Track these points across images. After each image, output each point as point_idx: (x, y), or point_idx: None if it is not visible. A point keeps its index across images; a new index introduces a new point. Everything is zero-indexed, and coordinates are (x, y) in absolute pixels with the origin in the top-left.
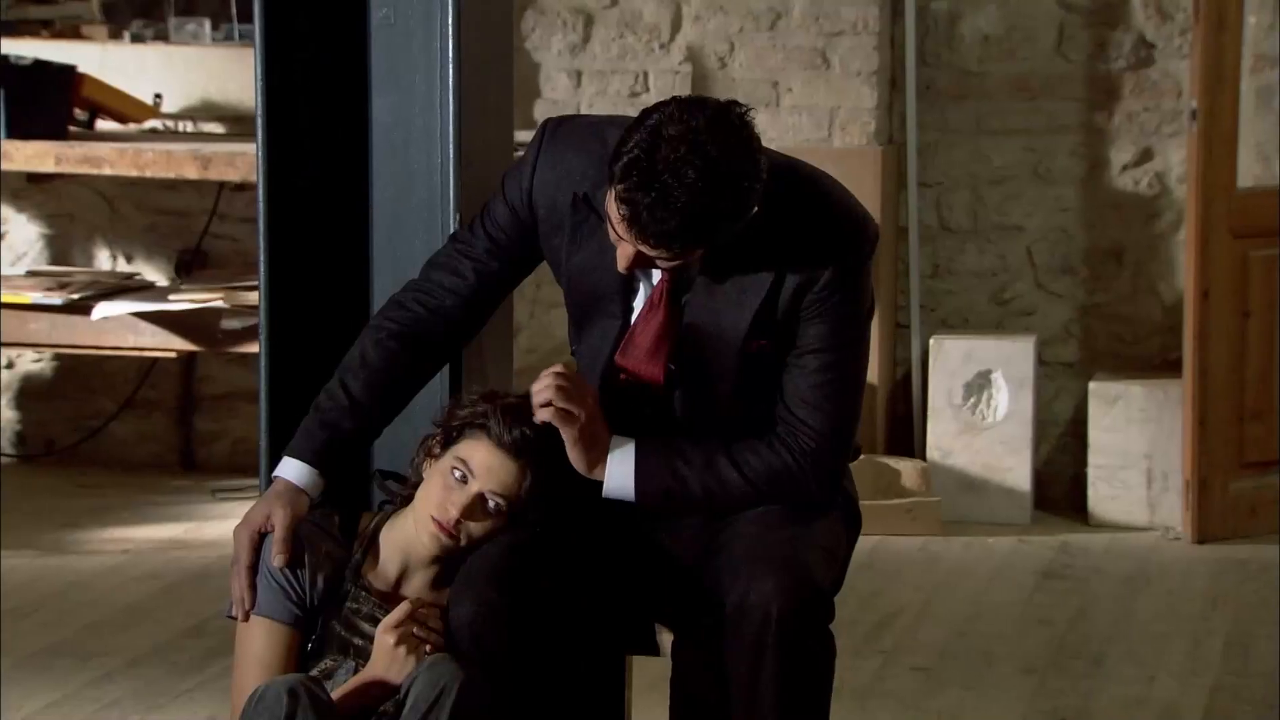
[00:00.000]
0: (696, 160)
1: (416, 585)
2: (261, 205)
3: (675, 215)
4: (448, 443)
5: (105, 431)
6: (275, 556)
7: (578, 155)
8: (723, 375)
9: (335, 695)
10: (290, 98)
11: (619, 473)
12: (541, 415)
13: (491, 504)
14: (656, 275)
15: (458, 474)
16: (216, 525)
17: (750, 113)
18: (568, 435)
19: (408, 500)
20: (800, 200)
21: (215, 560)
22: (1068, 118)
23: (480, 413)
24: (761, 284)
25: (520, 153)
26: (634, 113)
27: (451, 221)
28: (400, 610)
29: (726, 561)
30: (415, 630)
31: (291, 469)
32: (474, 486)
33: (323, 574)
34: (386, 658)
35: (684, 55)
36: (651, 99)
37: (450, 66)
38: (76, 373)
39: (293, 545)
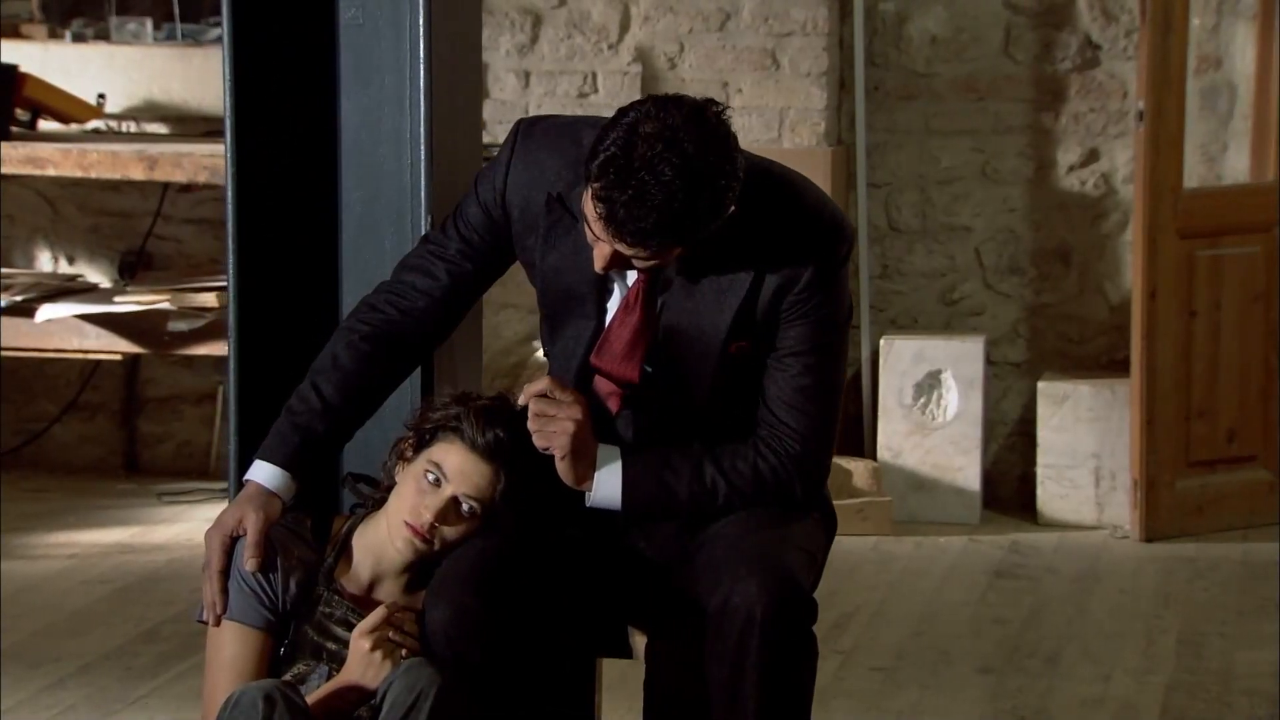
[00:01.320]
0: (673, 158)
1: (390, 589)
2: (230, 206)
3: (652, 213)
4: (420, 446)
5: (47, 435)
6: (247, 561)
7: (551, 155)
8: (701, 377)
9: (310, 700)
10: (259, 98)
11: (606, 484)
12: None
13: (465, 507)
14: (632, 276)
15: (431, 477)
16: (164, 529)
17: (727, 111)
18: (555, 453)
19: (380, 503)
20: (777, 201)
21: (164, 564)
22: (1015, 118)
23: (453, 415)
24: (740, 285)
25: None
26: (584, 113)
27: (422, 223)
28: (376, 615)
29: (707, 563)
30: (391, 635)
31: (263, 472)
32: (447, 490)
33: (295, 578)
34: (362, 662)
35: (633, 56)
36: (600, 100)
37: (421, 67)
38: (17, 375)
39: (264, 550)
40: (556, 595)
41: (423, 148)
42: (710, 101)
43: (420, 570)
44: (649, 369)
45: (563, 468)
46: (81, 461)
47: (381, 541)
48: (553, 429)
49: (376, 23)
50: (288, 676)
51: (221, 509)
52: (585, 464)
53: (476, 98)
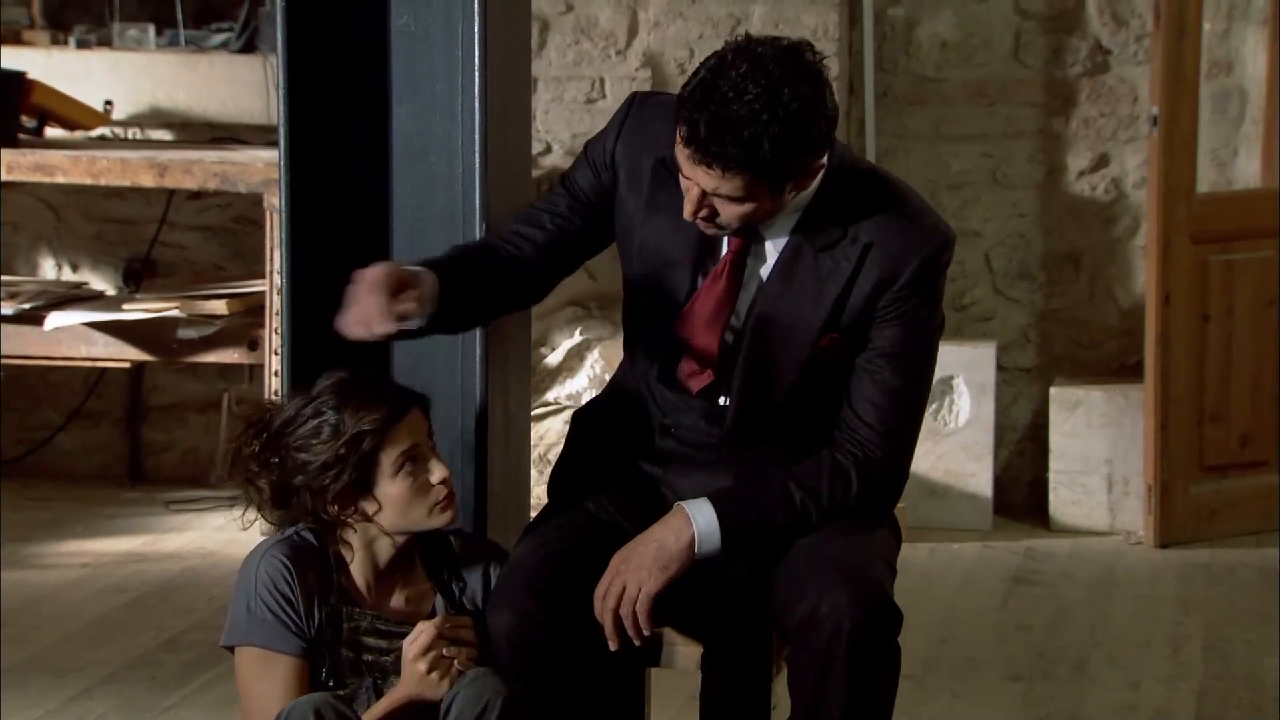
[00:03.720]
0: (760, 79)
1: (398, 579)
2: (283, 213)
3: (730, 130)
4: (363, 470)
5: (50, 443)
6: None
7: (664, 124)
8: (787, 368)
9: (371, 717)
10: (311, 106)
11: (708, 542)
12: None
13: (432, 444)
14: (724, 249)
15: (409, 465)
16: (174, 537)
17: (825, 59)
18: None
19: (326, 528)
20: (882, 199)
21: (179, 573)
22: (1025, 123)
23: (367, 429)
24: (841, 274)
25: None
26: (591, 118)
27: (477, 229)
28: (426, 635)
29: (788, 573)
30: (445, 651)
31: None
32: (428, 454)
33: (316, 599)
34: (420, 684)
35: (641, 61)
36: (608, 106)
37: (476, 74)
38: (21, 383)
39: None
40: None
41: (477, 154)
42: (807, 43)
43: (419, 550)
44: (729, 339)
45: (678, 568)
46: (85, 470)
47: (371, 543)
48: (624, 585)
49: (428, 29)
50: None
51: (226, 518)
52: (677, 555)
53: (526, 104)
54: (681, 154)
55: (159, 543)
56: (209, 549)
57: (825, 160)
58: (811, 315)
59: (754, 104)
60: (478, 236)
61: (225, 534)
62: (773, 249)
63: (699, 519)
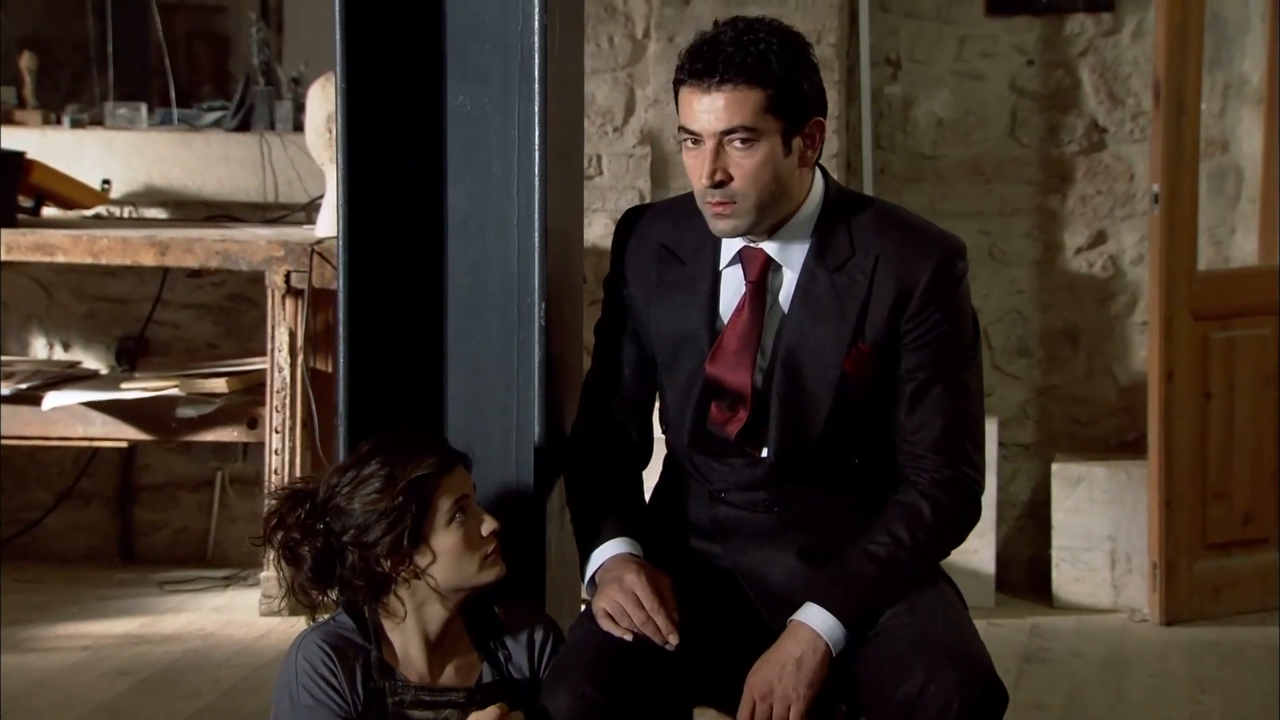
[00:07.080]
0: (744, 21)
1: (450, 654)
2: (341, 291)
3: (738, 47)
4: (417, 520)
5: (40, 524)
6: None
7: (654, 220)
8: (821, 394)
9: None
10: (368, 185)
11: (834, 636)
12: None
13: (475, 500)
14: (741, 289)
15: (460, 516)
16: (172, 619)
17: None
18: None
19: (373, 591)
20: (885, 218)
21: (181, 655)
22: (1021, 201)
23: (424, 474)
24: (858, 290)
25: None
26: (588, 195)
27: (535, 309)
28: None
29: (886, 654)
30: None
31: (604, 552)
32: (473, 503)
33: (359, 677)
34: None
35: (639, 138)
36: (605, 182)
37: (536, 154)
38: (11, 464)
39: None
40: (675, 687)
41: (536, 235)
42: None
43: (467, 619)
44: (758, 381)
45: (821, 681)
46: (76, 551)
47: (422, 607)
48: (771, 707)
49: (484, 109)
50: None
51: (222, 599)
52: (819, 668)
53: (579, 185)
54: (692, 98)
55: (157, 624)
56: (208, 630)
57: (825, 123)
58: (836, 334)
59: (742, 31)
60: (536, 319)
61: (224, 615)
62: (790, 278)
63: (818, 624)
